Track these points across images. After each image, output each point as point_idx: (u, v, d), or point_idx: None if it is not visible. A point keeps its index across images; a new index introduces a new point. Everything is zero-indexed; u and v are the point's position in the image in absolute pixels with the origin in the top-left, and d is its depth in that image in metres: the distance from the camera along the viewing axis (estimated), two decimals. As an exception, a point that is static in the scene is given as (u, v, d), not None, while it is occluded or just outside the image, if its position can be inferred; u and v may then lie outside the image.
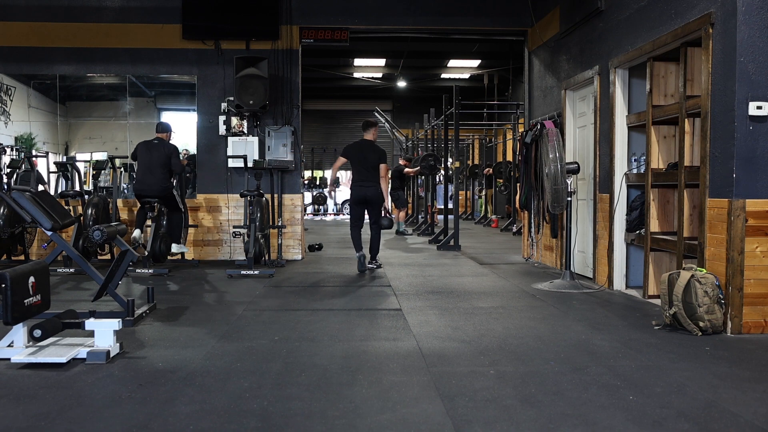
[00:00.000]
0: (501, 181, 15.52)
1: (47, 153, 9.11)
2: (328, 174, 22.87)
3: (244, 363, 3.59)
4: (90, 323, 3.68)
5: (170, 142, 7.41)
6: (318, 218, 19.57)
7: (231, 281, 6.59)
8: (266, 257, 7.48)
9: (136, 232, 7.08)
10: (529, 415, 2.80)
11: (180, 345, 4.01)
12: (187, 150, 8.95)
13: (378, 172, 7.26)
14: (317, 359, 3.67)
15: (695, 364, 3.60)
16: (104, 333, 3.63)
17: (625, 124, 6.01)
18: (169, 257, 7.54)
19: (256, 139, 8.29)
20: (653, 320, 4.60)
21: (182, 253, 7.67)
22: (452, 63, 16.14)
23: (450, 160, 10.83)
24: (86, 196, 7.77)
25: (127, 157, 8.06)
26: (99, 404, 2.93)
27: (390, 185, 13.75)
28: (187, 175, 8.30)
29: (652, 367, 3.52)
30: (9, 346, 3.62)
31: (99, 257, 7.86)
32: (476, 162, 19.61)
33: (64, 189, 8.01)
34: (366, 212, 7.38)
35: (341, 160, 7.51)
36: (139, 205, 7.34)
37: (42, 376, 3.33)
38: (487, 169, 16.80)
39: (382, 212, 7.33)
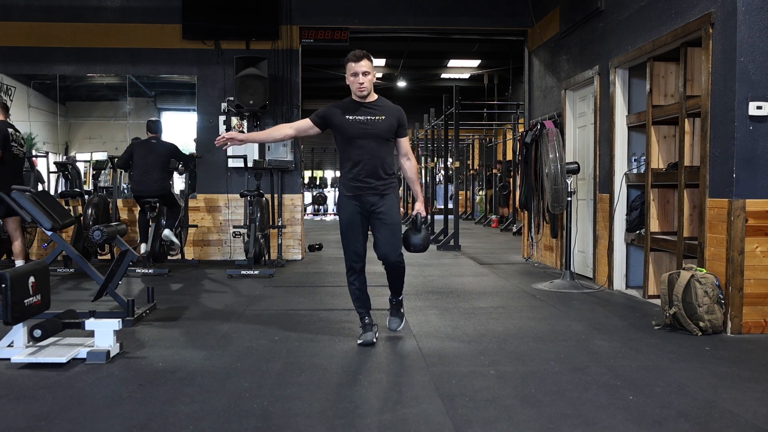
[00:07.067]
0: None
1: (47, 153, 9.11)
2: (321, 174, 22.82)
3: (244, 363, 3.59)
4: (90, 323, 3.68)
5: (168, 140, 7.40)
6: (318, 218, 19.57)
7: (231, 281, 6.59)
8: (266, 257, 7.48)
9: (143, 247, 7.01)
10: (529, 415, 2.80)
11: (180, 345, 4.01)
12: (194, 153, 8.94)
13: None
14: (317, 359, 3.67)
15: (695, 364, 3.60)
16: (104, 333, 3.63)
17: (625, 124, 6.01)
18: (168, 256, 7.53)
19: (256, 139, 8.27)
20: (653, 320, 4.60)
21: (172, 242, 7.36)
22: (452, 63, 16.13)
23: (450, 160, 10.82)
24: (86, 196, 7.77)
25: None
26: (99, 404, 2.93)
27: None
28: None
29: (652, 367, 3.52)
30: (9, 346, 3.62)
31: (99, 257, 7.86)
32: (476, 162, 19.62)
33: (64, 189, 8.01)
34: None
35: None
36: (138, 207, 7.32)
37: (42, 376, 3.33)
38: (494, 169, 16.73)
39: (418, 220, 4.13)
